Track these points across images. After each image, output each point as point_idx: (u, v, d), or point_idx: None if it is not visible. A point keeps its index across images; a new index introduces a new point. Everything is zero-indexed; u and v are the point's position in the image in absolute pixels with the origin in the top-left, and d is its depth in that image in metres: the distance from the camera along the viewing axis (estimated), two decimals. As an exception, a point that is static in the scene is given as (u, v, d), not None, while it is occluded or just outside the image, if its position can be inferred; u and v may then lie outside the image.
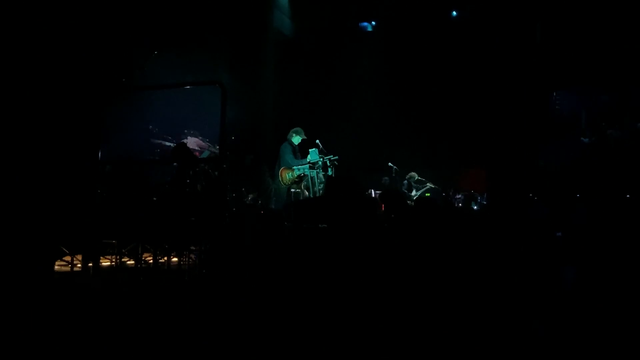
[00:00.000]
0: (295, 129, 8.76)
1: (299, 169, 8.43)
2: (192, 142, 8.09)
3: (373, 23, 12.67)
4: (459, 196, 10.93)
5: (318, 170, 8.35)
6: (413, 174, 11.01)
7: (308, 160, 8.46)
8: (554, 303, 3.87)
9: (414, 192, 10.74)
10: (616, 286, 4.16)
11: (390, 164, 10.91)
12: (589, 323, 3.37)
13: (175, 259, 5.38)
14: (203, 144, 8.32)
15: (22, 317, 3.35)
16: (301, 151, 8.81)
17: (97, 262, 4.98)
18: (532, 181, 9.82)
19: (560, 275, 4.62)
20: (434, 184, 10.92)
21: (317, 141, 8.62)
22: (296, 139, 8.69)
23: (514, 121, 10.77)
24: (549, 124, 10.67)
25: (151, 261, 5.20)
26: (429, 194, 10.77)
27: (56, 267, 4.97)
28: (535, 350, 2.87)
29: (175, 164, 5.85)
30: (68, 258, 5.02)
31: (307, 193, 8.41)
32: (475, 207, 10.00)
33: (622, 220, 5.47)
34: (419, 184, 10.94)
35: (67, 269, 4.98)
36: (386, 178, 11.05)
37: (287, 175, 8.50)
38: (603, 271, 4.50)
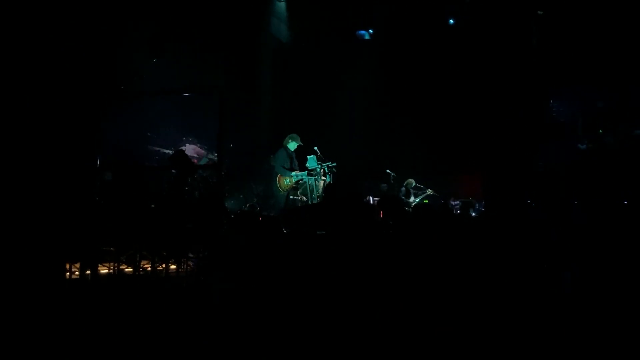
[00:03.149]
0: (291, 135, 8.75)
1: (297, 176, 8.44)
2: (190, 149, 8.11)
3: (370, 31, 12.71)
4: (457, 203, 10.94)
5: (316, 177, 8.36)
6: (411, 180, 11.01)
7: (307, 167, 8.48)
8: (553, 306, 3.87)
9: (412, 199, 10.75)
10: (615, 291, 4.17)
11: (388, 170, 10.92)
12: (588, 326, 3.37)
13: (173, 266, 5.36)
14: (201, 151, 8.34)
15: (27, 323, 3.34)
16: (299, 158, 8.81)
17: (95, 270, 4.96)
18: (529, 187, 9.83)
19: (559, 279, 4.62)
20: (432, 191, 10.93)
21: (315, 148, 8.63)
22: (292, 145, 8.69)
23: (511, 128, 10.80)
24: (546, 130, 10.70)
25: (149, 268, 5.19)
26: (427, 201, 10.77)
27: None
28: (535, 352, 2.87)
29: (173, 171, 5.85)
30: (66, 266, 5.00)
31: (305, 199, 8.41)
32: (473, 214, 10.01)
33: (620, 226, 5.48)
34: (417, 191, 10.95)
35: (65, 276, 4.96)
36: (384, 185, 11.05)
37: (284, 182, 8.50)
38: (602, 275, 4.51)
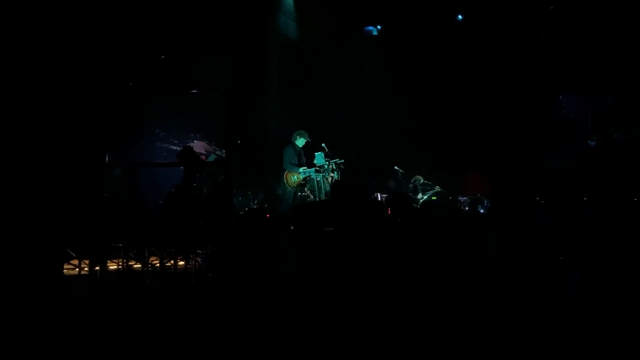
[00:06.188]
0: (298, 131, 8.77)
1: (304, 172, 8.45)
2: (198, 145, 8.13)
3: (379, 27, 12.66)
4: (465, 199, 10.88)
5: (324, 174, 8.37)
6: (419, 177, 10.95)
7: (314, 163, 8.49)
8: (560, 306, 3.86)
9: (419, 195, 10.70)
10: (622, 290, 4.14)
11: (396, 167, 10.88)
12: (594, 327, 3.35)
13: (181, 262, 5.39)
14: (209, 147, 8.36)
15: (31, 319, 3.37)
16: (307, 155, 8.81)
17: (104, 266, 4.99)
18: (537, 185, 9.77)
19: (566, 279, 4.60)
20: (440, 188, 10.87)
21: (323, 145, 8.63)
22: (300, 142, 8.71)
23: (519, 125, 10.73)
24: (555, 127, 10.62)
25: (158, 264, 5.22)
26: (435, 198, 10.72)
27: (64, 270, 4.99)
28: (539, 353, 2.86)
29: (181, 167, 5.87)
30: (75, 261, 5.04)
31: (312, 196, 8.41)
32: (481, 211, 9.96)
33: (629, 224, 5.43)
34: (425, 187, 10.89)
35: (75, 272, 5.00)
36: (392, 181, 11.00)
37: (292, 178, 8.51)
38: (609, 275, 4.48)
